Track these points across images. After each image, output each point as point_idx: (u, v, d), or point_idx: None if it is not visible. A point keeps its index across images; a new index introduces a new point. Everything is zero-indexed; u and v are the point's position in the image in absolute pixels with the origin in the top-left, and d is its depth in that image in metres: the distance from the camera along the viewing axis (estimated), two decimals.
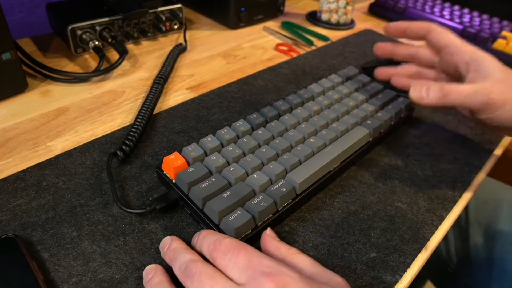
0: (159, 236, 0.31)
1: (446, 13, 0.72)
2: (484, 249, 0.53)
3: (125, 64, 0.54)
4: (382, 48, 0.46)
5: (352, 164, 0.40)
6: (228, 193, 0.31)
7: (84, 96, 0.47)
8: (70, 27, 0.51)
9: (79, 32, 0.52)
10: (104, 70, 0.49)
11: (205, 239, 0.27)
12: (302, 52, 0.61)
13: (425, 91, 0.36)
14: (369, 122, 0.41)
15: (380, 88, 0.47)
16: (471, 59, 0.38)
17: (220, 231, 0.30)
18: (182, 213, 0.33)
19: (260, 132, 0.38)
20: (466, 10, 0.74)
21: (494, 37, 0.65)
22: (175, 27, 0.62)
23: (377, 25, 0.74)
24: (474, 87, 0.36)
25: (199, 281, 0.24)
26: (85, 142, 0.40)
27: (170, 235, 0.31)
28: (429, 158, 0.42)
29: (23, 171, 0.36)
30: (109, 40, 0.53)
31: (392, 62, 0.48)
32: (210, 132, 0.38)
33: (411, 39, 0.44)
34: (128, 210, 0.32)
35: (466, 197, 0.38)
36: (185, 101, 0.47)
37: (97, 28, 0.53)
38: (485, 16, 0.72)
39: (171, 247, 0.28)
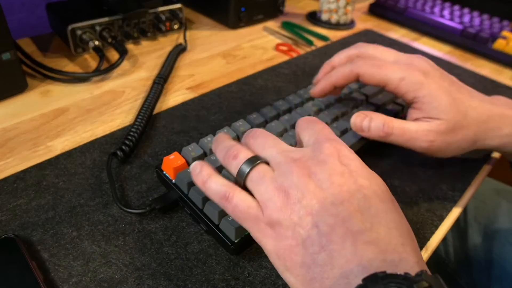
0: (159, 236, 0.31)
1: (446, 13, 0.72)
2: (483, 249, 0.53)
3: (125, 64, 0.54)
4: (321, 92, 0.40)
5: None
6: None
7: (84, 96, 0.47)
8: (70, 27, 0.51)
9: (79, 32, 0.52)
10: (104, 70, 0.49)
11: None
12: (302, 52, 0.61)
13: (367, 124, 0.35)
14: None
15: (379, 89, 0.47)
16: (416, 97, 0.34)
17: (220, 231, 0.30)
18: (182, 213, 0.33)
19: None
20: (466, 10, 0.74)
21: (494, 37, 0.65)
22: (175, 27, 0.62)
23: (377, 25, 0.74)
24: (418, 129, 0.34)
25: (262, 139, 0.27)
26: (85, 142, 0.40)
27: (170, 235, 0.31)
28: (429, 158, 0.42)
29: (23, 171, 0.36)
30: (109, 40, 0.53)
31: None
32: (210, 132, 0.38)
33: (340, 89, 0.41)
34: (128, 210, 0.32)
35: (466, 197, 0.38)
36: (185, 101, 0.47)
37: (97, 28, 0.53)
38: (485, 16, 0.72)
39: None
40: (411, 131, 0.34)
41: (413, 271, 0.20)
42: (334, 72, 0.37)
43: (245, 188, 0.26)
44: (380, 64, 0.35)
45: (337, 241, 0.22)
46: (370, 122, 0.35)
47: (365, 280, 0.20)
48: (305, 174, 0.24)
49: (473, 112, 0.34)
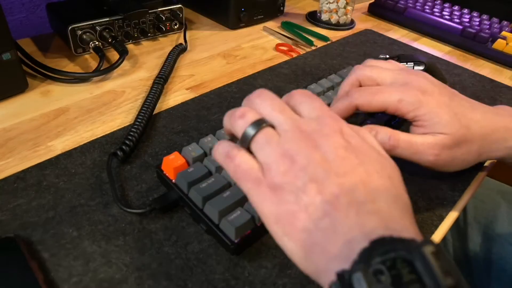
0: (159, 236, 0.31)
1: (446, 13, 0.72)
2: (483, 249, 0.53)
3: (125, 64, 0.54)
4: None
5: None
6: (228, 193, 0.31)
7: (84, 96, 0.47)
8: (70, 27, 0.51)
9: (79, 32, 0.52)
10: (104, 70, 0.49)
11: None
12: (302, 52, 0.61)
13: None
14: (368, 122, 0.41)
15: None
16: (417, 115, 0.34)
17: (220, 231, 0.30)
18: (182, 213, 0.33)
19: None
20: (466, 10, 0.74)
21: (494, 37, 0.65)
22: (175, 27, 0.62)
23: (377, 25, 0.74)
24: (424, 142, 0.34)
25: (270, 101, 0.27)
26: (85, 142, 0.40)
27: (170, 235, 0.31)
28: None
29: (23, 171, 0.36)
30: (109, 40, 0.53)
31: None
32: (210, 132, 0.38)
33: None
34: (128, 210, 0.32)
35: (465, 197, 0.38)
36: (185, 101, 0.47)
37: (97, 28, 0.53)
38: (484, 16, 0.72)
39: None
40: (417, 144, 0.34)
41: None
42: (333, 107, 0.37)
43: (249, 151, 0.26)
44: (376, 91, 0.35)
45: (341, 209, 0.22)
46: (376, 136, 0.34)
47: (373, 242, 0.20)
48: (311, 145, 0.25)
49: (476, 126, 0.34)
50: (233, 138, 0.30)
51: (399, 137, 0.34)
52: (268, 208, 0.24)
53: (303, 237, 0.23)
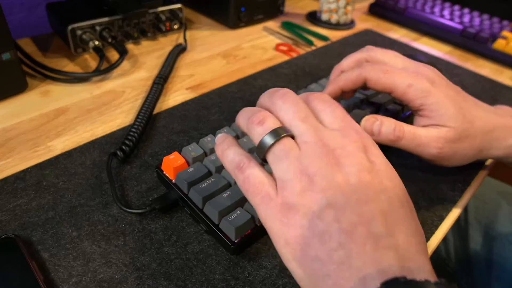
0: (159, 236, 0.31)
1: (446, 13, 0.72)
2: (483, 248, 0.53)
3: (125, 64, 0.54)
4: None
5: None
6: (228, 193, 0.31)
7: (84, 96, 0.47)
8: (70, 27, 0.51)
9: (79, 32, 0.52)
10: (104, 70, 0.49)
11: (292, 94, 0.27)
12: (302, 52, 0.61)
13: (377, 128, 0.34)
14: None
15: None
16: (423, 104, 0.34)
17: (220, 231, 0.30)
18: (182, 213, 0.33)
19: None
20: (466, 10, 0.74)
21: (494, 37, 0.65)
22: (175, 27, 0.62)
23: (377, 25, 0.74)
24: (428, 135, 0.34)
25: (293, 106, 0.26)
26: (85, 142, 0.40)
27: (170, 235, 0.31)
28: None
29: (23, 171, 0.36)
30: (109, 40, 0.53)
31: None
32: (210, 132, 0.38)
33: (351, 93, 0.38)
34: (128, 210, 0.32)
35: (466, 197, 0.38)
36: (185, 101, 0.47)
37: (97, 28, 0.53)
38: (485, 16, 0.72)
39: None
40: (421, 137, 0.34)
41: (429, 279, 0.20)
42: (342, 76, 0.37)
43: (265, 161, 0.25)
44: (388, 70, 0.35)
45: (358, 242, 0.21)
46: (381, 126, 0.34)
47: (386, 284, 0.19)
48: (334, 164, 0.23)
49: (479, 122, 0.34)
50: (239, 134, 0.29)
51: (404, 129, 0.34)
52: (277, 228, 0.23)
53: (315, 267, 0.21)
